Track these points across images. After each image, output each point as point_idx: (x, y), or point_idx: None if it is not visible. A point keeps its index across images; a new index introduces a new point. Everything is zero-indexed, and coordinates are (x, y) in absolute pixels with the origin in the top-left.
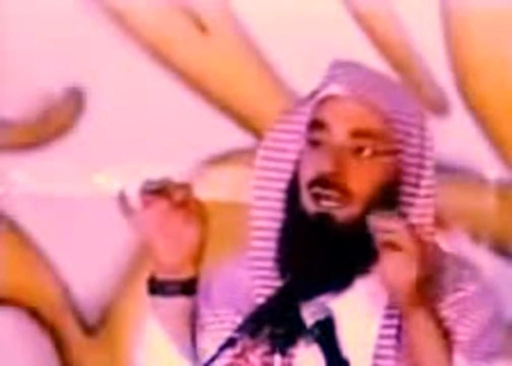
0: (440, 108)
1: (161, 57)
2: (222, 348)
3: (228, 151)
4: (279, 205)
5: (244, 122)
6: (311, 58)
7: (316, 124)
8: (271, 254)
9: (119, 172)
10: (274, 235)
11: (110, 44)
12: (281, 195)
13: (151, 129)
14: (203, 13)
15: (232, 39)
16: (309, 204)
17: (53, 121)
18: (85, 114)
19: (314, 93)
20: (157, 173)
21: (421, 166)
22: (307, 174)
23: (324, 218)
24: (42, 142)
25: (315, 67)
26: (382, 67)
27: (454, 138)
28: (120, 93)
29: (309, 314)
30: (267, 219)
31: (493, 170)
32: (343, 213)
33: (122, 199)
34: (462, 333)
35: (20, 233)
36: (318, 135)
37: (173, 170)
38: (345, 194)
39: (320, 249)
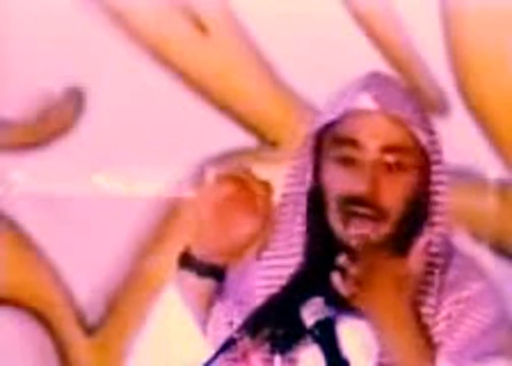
0: (440, 108)
1: (161, 57)
2: (222, 348)
3: (228, 151)
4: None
5: (244, 122)
6: (311, 58)
7: (346, 141)
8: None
9: (118, 172)
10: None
11: (110, 44)
12: (302, 199)
13: (151, 129)
14: (203, 13)
15: (232, 39)
16: (337, 223)
17: (53, 121)
18: (85, 114)
19: (337, 105)
20: (157, 172)
21: (440, 172)
22: (338, 191)
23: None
24: (42, 142)
25: (315, 67)
26: (382, 67)
27: (454, 138)
28: (120, 93)
29: (309, 314)
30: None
31: (493, 170)
32: (377, 231)
33: (202, 172)
34: (464, 331)
35: (20, 233)
36: (348, 152)
37: (174, 170)
38: (379, 213)
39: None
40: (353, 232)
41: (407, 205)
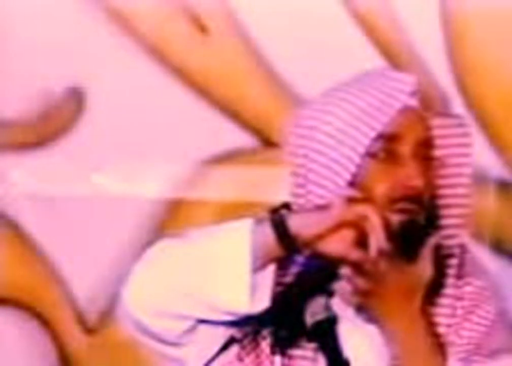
0: (440, 108)
1: (161, 57)
2: (223, 348)
3: (228, 151)
4: None
5: (244, 122)
6: (311, 58)
7: (387, 135)
8: None
9: (119, 172)
10: None
11: (110, 44)
12: None
13: (151, 129)
14: (203, 13)
15: (232, 39)
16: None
17: (53, 121)
18: (85, 114)
19: (387, 106)
20: (157, 172)
21: (447, 176)
22: (383, 189)
23: (409, 227)
24: (42, 142)
25: (315, 66)
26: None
27: None
28: (120, 93)
29: (310, 314)
30: None
31: (493, 170)
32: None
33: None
34: (468, 329)
35: (20, 233)
36: (390, 146)
37: (174, 170)
38: (420, 205)
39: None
40: (404, 222)
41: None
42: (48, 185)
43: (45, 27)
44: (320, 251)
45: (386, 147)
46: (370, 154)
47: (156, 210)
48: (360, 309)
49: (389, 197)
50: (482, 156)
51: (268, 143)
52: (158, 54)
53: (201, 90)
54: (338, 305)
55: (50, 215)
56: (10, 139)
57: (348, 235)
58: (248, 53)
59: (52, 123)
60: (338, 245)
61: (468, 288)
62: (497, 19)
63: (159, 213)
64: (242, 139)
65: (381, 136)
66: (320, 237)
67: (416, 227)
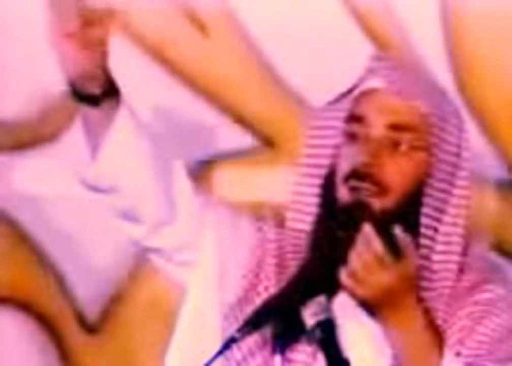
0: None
1: (160, 57)
2: (224, 348)
3: (228, 151)
4: (315, 200)
5: (244, 122)
6: (311, 59)
7: (354, 118)
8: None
9: None
10: (306, 227)
11: (111, 45)
12: (318, 191)
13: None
14: (203, 13)
15: (232, 40)
16: (344, 197)
17: (53, 121)
18: None
19: (352, 88)
20: None
21: (456, 166)
22: (344, 167)
23: (359, 205)
24: (42, 142)
25: (315, 67)
26: None
27: None
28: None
29: (310, 314)
30: (301, 213)
31: (493, 170)
32: (378, 203)
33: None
34: (483, 333)
35: (20, 233)
36: (355, 128)
37: None
38: (379, 187)
39: (351, 237)
40: (355, 200)
41: (412, 184)
42: (47, 185)
43: (45, 27)
44: None
45: (352, 128)
46: (344, 135)
47: None
48: (361, 304)
49: (342, 176)
50: (482, 156)
51: (268, 143)
52: (157, 54)
53: (201, 90)
54: (340, 303)
55: (50, 215)
56: (10, 139)
57: None
58: (248, 53)
59: (52, 123)
60: None
61: (486, 295)
62: (497, 19)
63: None
64: (242, 139)
65: (351, 118)
66: None
67: (361, 207)
